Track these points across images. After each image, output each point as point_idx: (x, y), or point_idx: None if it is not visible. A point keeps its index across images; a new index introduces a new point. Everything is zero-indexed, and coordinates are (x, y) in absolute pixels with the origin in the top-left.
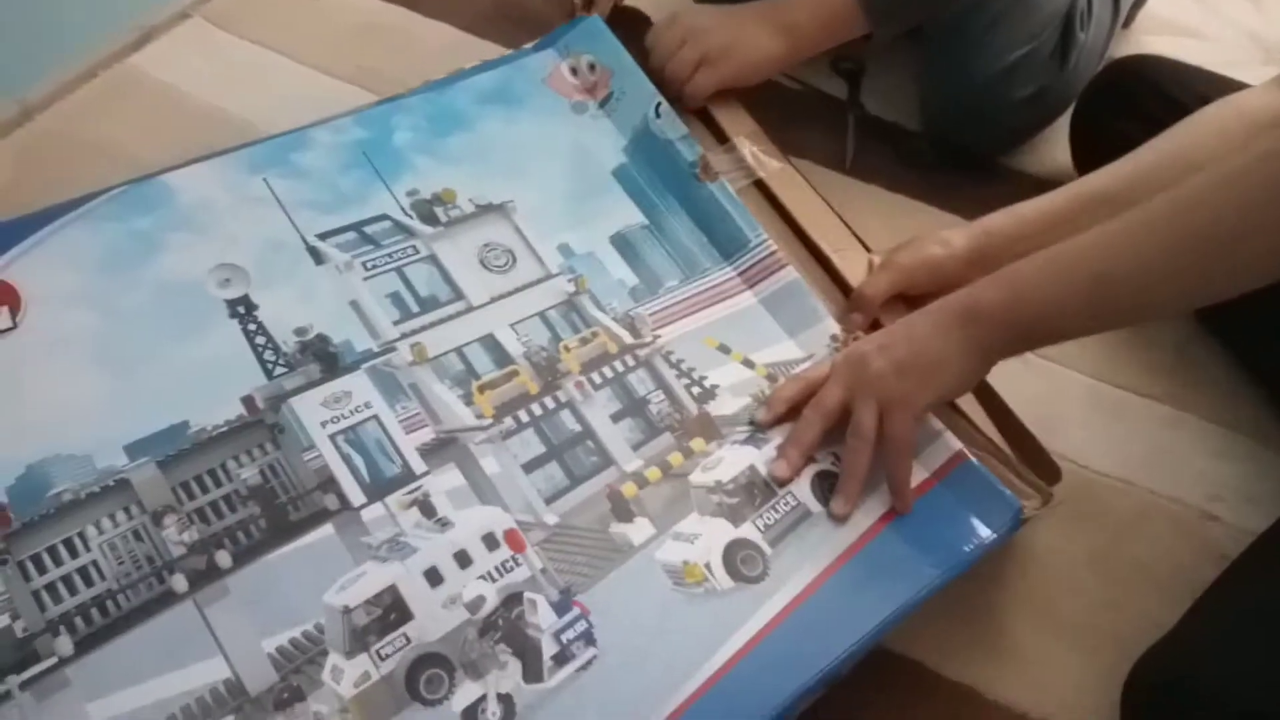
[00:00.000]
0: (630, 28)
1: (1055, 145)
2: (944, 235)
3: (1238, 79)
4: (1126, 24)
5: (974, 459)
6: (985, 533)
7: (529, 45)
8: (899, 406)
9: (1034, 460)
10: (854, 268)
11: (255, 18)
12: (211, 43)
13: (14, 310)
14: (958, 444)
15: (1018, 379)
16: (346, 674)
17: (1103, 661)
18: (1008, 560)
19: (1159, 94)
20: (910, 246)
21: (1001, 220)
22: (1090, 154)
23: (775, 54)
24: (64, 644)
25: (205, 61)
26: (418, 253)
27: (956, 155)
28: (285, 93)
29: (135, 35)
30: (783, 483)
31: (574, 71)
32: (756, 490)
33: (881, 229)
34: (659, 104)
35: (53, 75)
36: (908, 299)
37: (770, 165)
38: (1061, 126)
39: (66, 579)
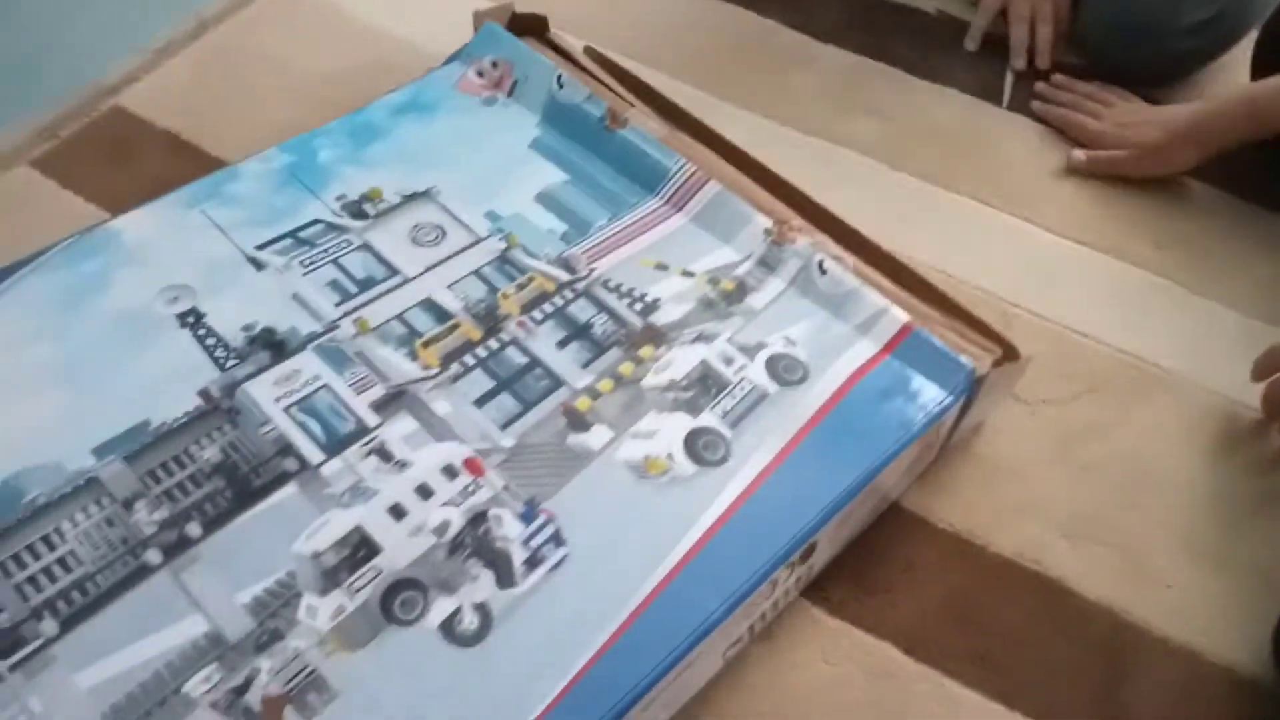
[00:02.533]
0: (529, 31)
1: (1229, 77)
2: None
3: None
4: None
5: (921, 329)
6: (940, 394)
7: (435, 67)
8: None
9: (985, 335)
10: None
11: None
12: None
13: None
14: (904, 316)
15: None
16: (321, 610)
17: (1249, 595)
18: (1147, 485)
19: None
20: None
21: None
22: None
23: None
24: (49, 626)
25: None
26: (351, 244)
27: (1119, 84)
28: (449, 15)
29: None
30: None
31: (479, 74)
32: (711, 382)
33: (1027, 162)
34: (559, 75)
35: None
36: None
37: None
38: (1234, 59)
39: (46, 570)
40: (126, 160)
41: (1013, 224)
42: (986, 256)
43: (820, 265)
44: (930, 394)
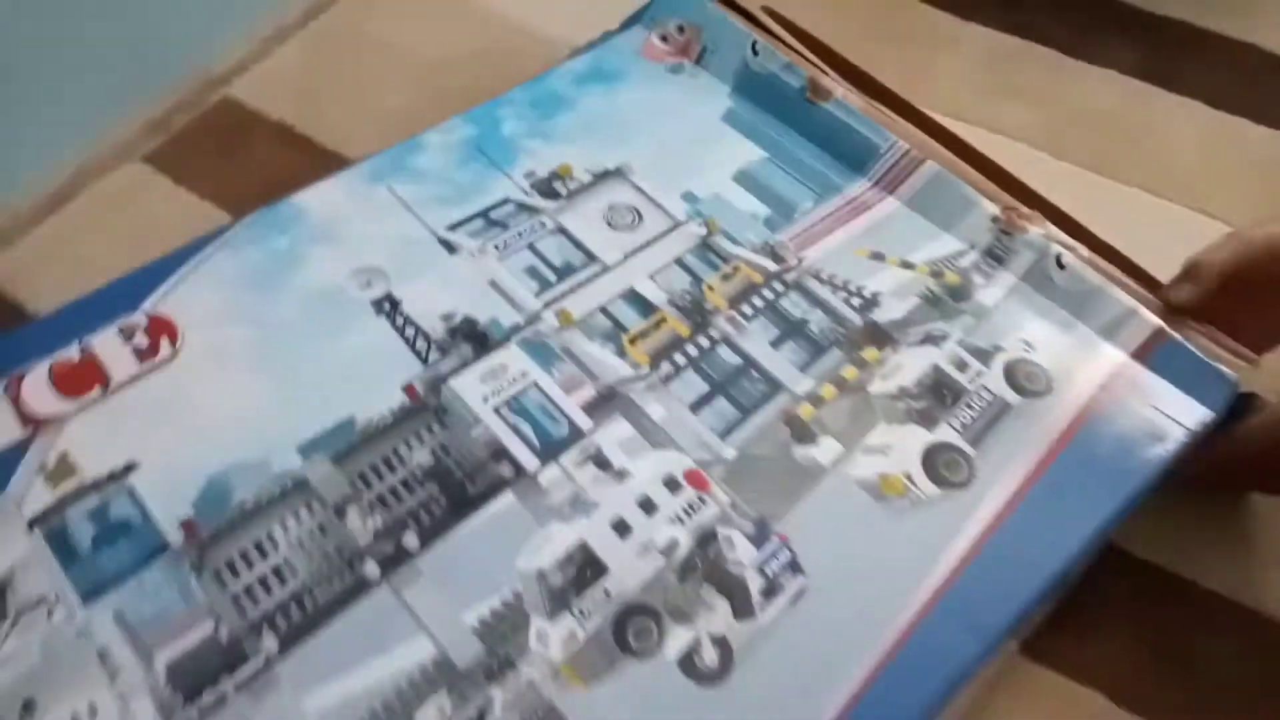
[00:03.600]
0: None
1: None
2: None
3: None
4: None
5: (1176, 335)
6: (1201, 411)
7: (613, 29)
8: None
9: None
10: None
11: None
12: None
13: (173, 340)
14: (1156, 320)
15: None
16: (552, 637)
17: None
18: None
19: None
20: (1261, 221)
21: None
22: None
23: None
24: (269, 643)
25: None
26: (545, 227)
27: None
28: (573, 5)
29: None
30: None
31: (664, 39)
32: (945, 390)
33: (1201, 150)
34: (754, 42)
35: None
36: (1248, 285)
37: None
38: None
39: (262, 580)
40: (239, 154)
41: (1189, 217)
42: (1167, 253)
43: (1059, 259)
44: (1190, 409)
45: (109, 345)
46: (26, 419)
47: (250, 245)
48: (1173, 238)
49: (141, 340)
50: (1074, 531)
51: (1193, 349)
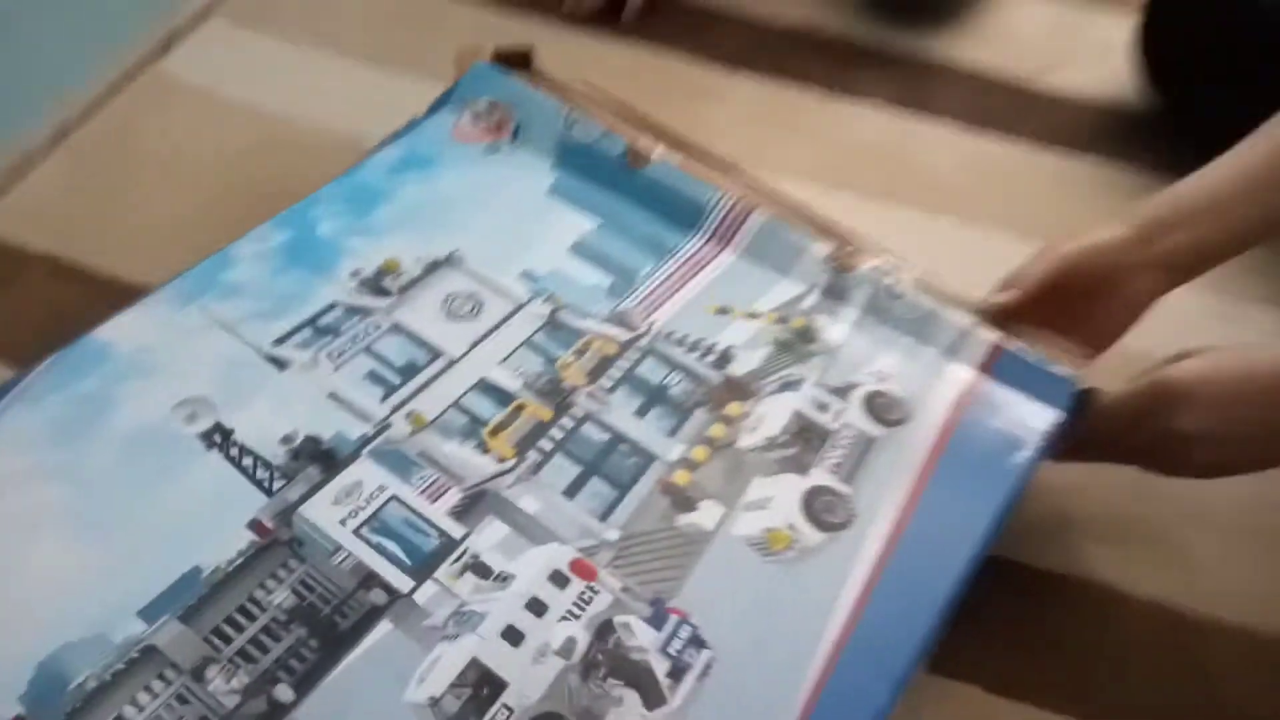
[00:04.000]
0: (515, 65)
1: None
2: (1108, 226)
3: None
4: None
5: (1011, 348)
6: (1051, 413)
7: (420, 115)
8: None
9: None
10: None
11: (275, 12)
12: (237, 42)
13: None
14: (992, 334)
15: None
16: None
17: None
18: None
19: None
20: (1073, 237)
21: (1164, 206)
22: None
23: None
24: None
25: (235, 61)
26: (380, 327)
27: None
28: (320, 85)
29: (160, 39)
30: None
31: (475, 118)
32: (811, 433)
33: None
34: (567, 113)
35: (90, 83)
36: (1064, 293)
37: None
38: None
39: None
40: (7, 294)
41: (958, 229)
42: (948, 266)
43: (891, 289)
44: (1040, 414)
45: None
46: None
47: (50, 394)
48: (948, 251)
49: None
50: (957, 554)
51: (1029, 357)
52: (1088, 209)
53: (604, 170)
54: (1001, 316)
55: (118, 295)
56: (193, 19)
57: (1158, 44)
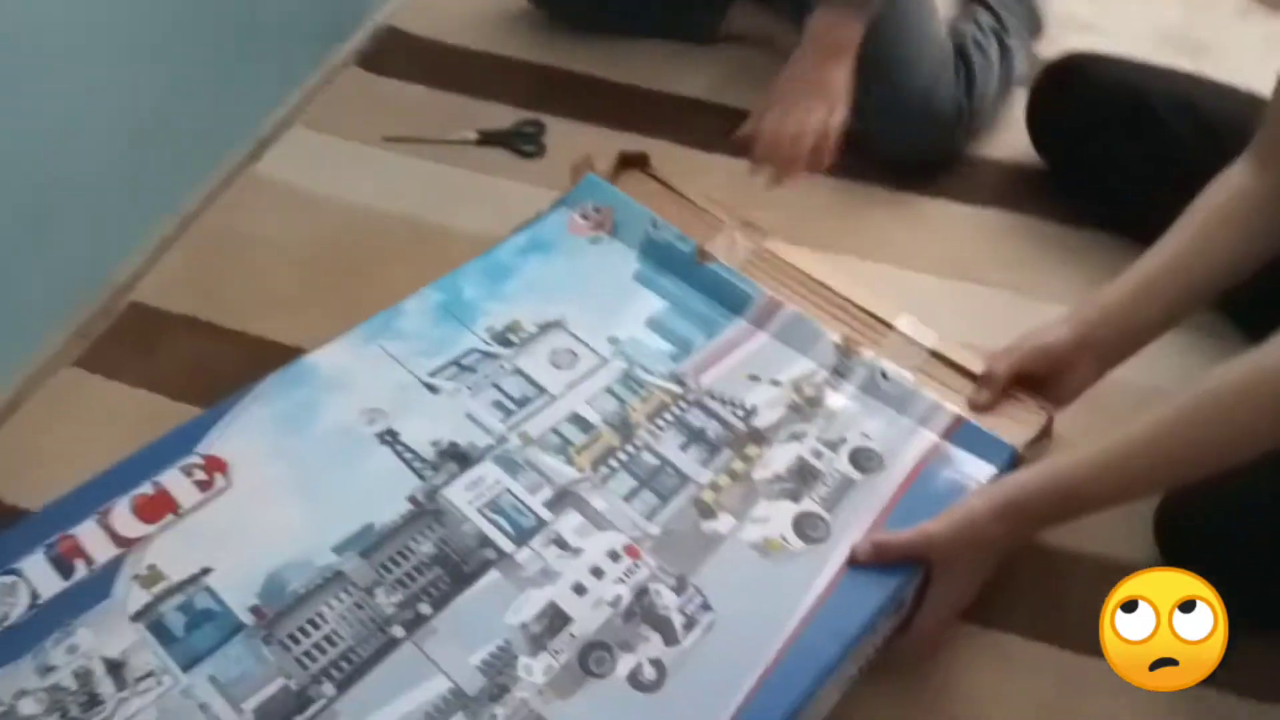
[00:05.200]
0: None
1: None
2: (1055, 325)
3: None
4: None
5: (970, 419)
6: (989, 469)
7: (545, 210)
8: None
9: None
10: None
11: (347, 118)
12: (316, 145)
13: (224, 473)
14: (955, 409)
15: None
16: (535, 668)
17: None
18: None
19: (1096, 85)
20: (1029, 334)
21: (1092, 310)
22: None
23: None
24: (328, 689)
25: (316, 160)
26: (504, 369)
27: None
28: (400, 182)
29: (251, 148)
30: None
31: (584, 217)
32: (807, 473)
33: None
34: (652, 219)
35: (204, 184)
36: (1026, 380)
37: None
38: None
39: (317, 645)
40: (155, 347)
41: (890, 269)
42: (883, 299)
43: (883, 373)
44: (980, 470)
45: (175, 481)
46: (119, 541)
47: (277, 397)
48: (884, 288)
49: (201, 476)
50: (901, 566)
51: (982, 429)
52: (992, 251)
53: (677, 263)
54: (981, 408)
55: (241, 343)
56: (277, 127)
57: (1039, 117)
